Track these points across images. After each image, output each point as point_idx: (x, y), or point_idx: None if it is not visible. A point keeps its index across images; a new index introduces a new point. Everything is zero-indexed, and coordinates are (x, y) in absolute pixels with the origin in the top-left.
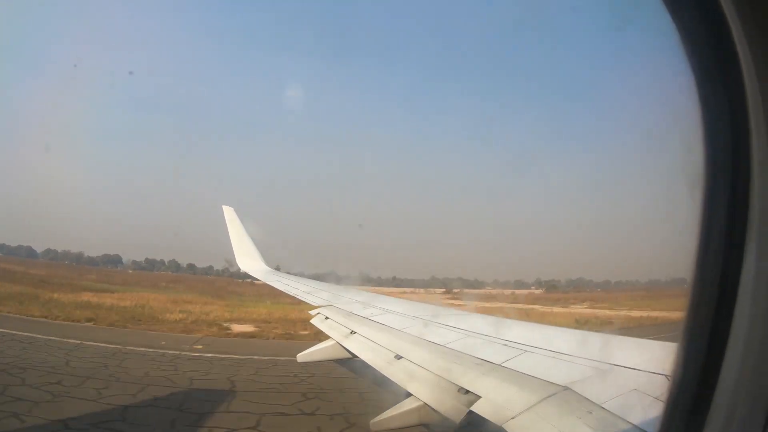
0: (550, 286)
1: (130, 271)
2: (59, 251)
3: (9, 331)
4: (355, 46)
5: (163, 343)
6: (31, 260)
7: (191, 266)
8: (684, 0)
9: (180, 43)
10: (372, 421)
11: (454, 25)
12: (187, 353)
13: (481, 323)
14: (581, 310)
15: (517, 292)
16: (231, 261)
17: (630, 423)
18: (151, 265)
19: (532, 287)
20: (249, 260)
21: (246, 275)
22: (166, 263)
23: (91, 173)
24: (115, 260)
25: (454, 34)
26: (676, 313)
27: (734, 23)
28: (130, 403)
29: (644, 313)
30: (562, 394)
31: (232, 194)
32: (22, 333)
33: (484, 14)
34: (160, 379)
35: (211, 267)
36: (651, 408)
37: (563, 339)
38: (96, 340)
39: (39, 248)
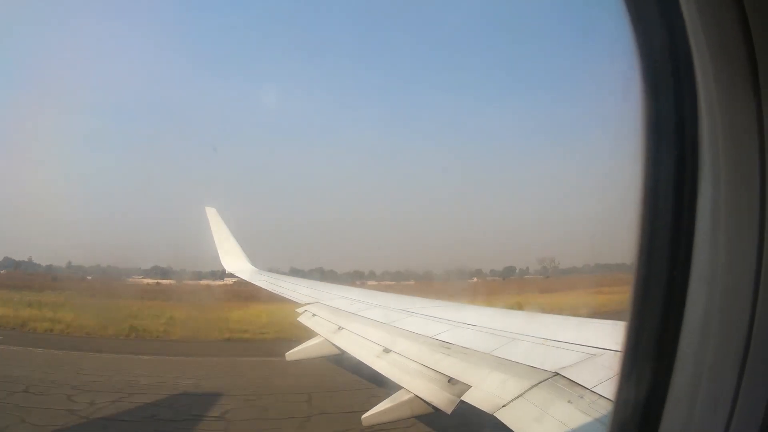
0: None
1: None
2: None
3: None
4: (335, 44)
5: None
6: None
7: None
8: None
9: (154, 47)
10: (363, 416)
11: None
12: None
13: (468, 314)
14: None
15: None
16: None
17: None
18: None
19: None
20: (234, 260)
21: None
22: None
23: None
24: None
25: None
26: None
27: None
28: None
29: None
30: (552, 380)
31: (206, 195)
32: None
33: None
34: None
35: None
36: None
37: (551, 325)
38: None
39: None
